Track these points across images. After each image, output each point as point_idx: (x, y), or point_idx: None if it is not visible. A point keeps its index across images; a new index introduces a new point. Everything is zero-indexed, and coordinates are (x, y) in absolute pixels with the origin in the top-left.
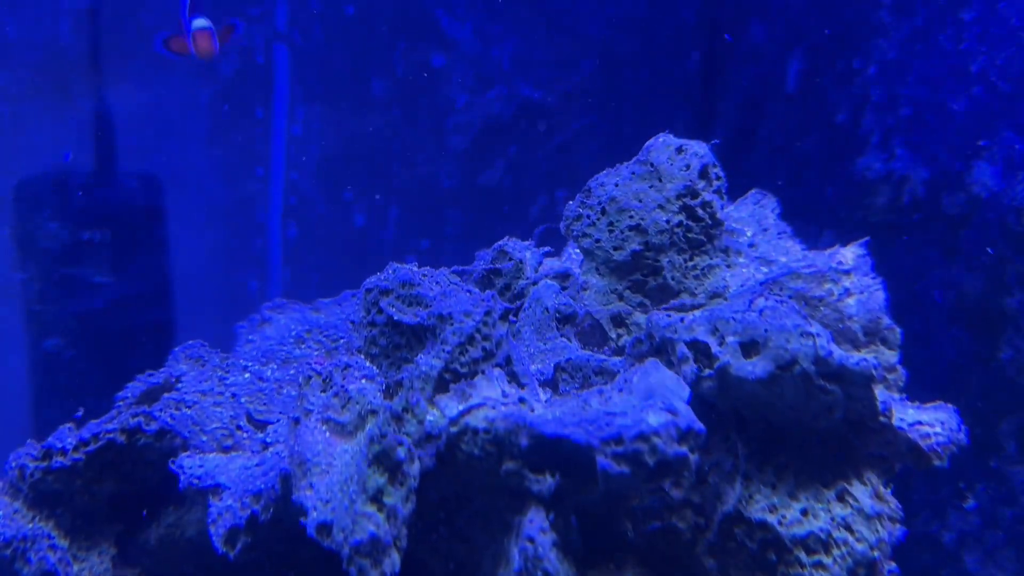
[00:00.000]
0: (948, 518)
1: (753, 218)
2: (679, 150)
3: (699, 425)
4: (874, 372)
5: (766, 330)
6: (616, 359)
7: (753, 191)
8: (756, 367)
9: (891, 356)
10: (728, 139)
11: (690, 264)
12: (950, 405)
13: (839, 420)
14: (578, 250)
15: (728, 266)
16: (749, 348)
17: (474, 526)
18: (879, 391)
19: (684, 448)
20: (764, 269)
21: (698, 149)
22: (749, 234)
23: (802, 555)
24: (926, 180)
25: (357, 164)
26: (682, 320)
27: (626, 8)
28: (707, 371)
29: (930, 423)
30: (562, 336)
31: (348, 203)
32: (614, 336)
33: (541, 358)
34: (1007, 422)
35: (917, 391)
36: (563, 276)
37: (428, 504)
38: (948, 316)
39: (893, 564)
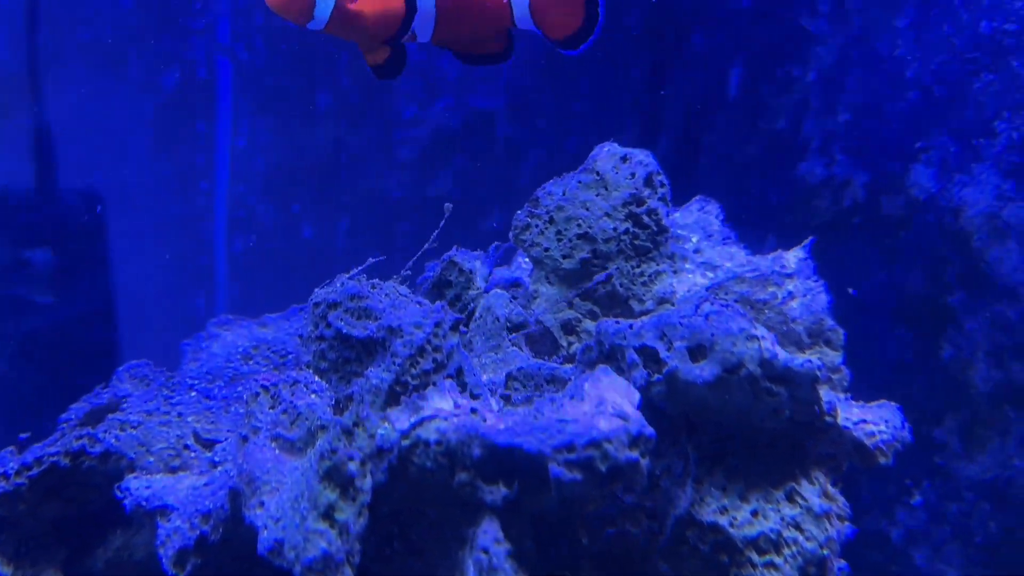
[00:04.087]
0: (896, 515)
1: (698, 224)
2: (624, 159)
3: (649, 430)
4: (818, 373)
5: (712, 334)
6: (567, 367)
7: (698, 198)
8: (704, 371)
9: (835, 357)
10: (674, 147)
11: (638, 271)
12: (894, 404)
13: (786, 421)
14: (527, 259)
15: (675, 272)
16: (697, 352)
17: (429, 539)
18: (824, 391)
19: (635, 453)
20: (709, 274)
21: (643, 158)
22: (695, 240)
23: (753, 555)
24: (866, 183)
25: (305, 177)
26: (631, 326)
27: None
28: (656, 376)
29: (875, 422)
30: (513, 345)
31: (296, 216)
32: (565, 344)
33: (493, 368)
34: (950, 419)
35: (862, 390)
36: (513, 285)
37: (382, 519)
38: (891, 316)
39: (843, 562)
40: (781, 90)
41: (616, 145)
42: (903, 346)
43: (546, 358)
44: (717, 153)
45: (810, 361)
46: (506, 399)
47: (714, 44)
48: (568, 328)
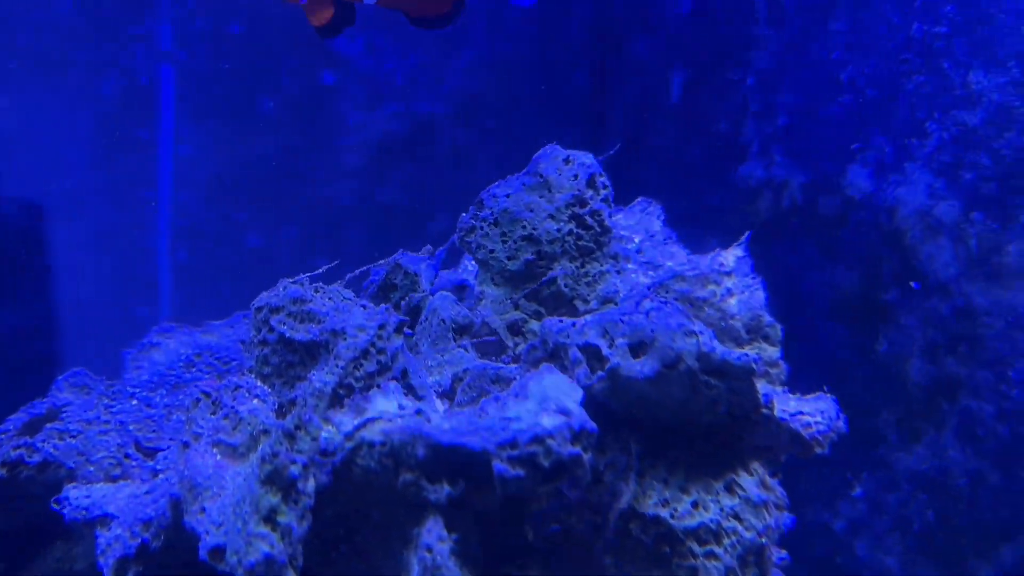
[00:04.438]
0: (838, 507)
1: (640, 225)
2: (567, 161)
3: (591, 425)
4: (754, 366)
5: (652, 330)
6: (513, 367)
7: (640, 199)
8: (644, 366)
9: (773, 352)
10: (619, 151)
11: (582, 271)
12: (830, 396)
13: (725, 414)
14: (474, 262)
15: (618, 272)
16: (638, 349)
17: (374, 541)
18: (761, 385)
19: (578, 448)
20: (651, 273)
21: (585, 159)
22: (637, 240)
23: (694, 546)
24: (804, 184)
25: (250, 184)
26: (574, 325)
27: (517, 23)
28: (599, 373)
29: (811, 413)
30: (459, 347)
31: (241, 224)
32: (511, 344)
33: (439, 370)
34: (887, 412)
35: (803, 385)
36: (459, 288)
37: (327, 522)
38: (829, 313)
39: (784, 552)
40: (721, 94)
41: (559, 147)
42: (841, 342)
43: (493, 359)
44: (661, 157)
45: (746, 355)
46: (453, 400)
47: (656, 49)
48: (514, 329)
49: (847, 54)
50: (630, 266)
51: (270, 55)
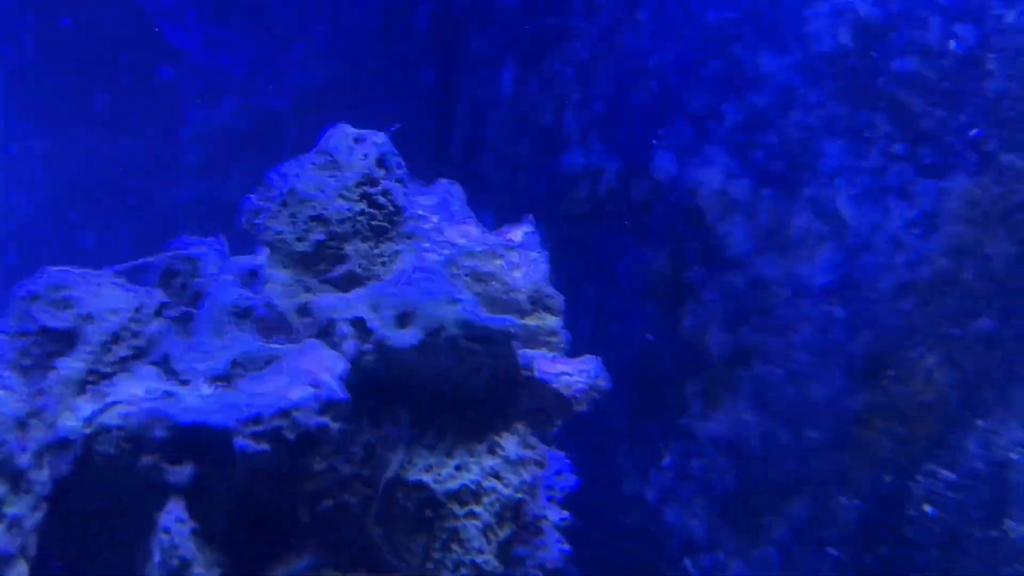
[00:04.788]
0: (651, 477)
1: (441, 205)
2: (357, 140)
3: (342, 395)
4: (512, 330)
5: (417, 300)
6: (290, 347)
7: (443, 181)
8: (410, 336)
9: (554, 321)
10: (462, 144)
11: (376, 251)
12: (596, 357)
13: (489, 378)
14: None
15: (412, 251)
16: (404, 319)
17: (130, 530)
18: (535, 351)
19: (326, 419)
20: (446, 251)
21: (376, 138)
22: (435, 220)
23: (456, 507)
24: (618, 171)
25: (83, 183)
26: (345, 299)
27: (361, 16)
28: (366, 345)
29: (572, 373)
30: (242, 331)
31: (74, 225)
32: (300, 326)
33: (218, 354)
34: (692, 383)
35: (619, 362)
36: (251, 273)
37: (78, 513)
38: (642, 292)
39: (566, 513)
40: (545, 85)
41: (349, 126)
42: (653, 319)
43: (284, 341)
44: (496, 149)
45: (506, 319)
46: (228, 382)
47: (490, 43)
48: (304, 311)
49: (653, 42)
50: (426, 245)
51: (102, 49)
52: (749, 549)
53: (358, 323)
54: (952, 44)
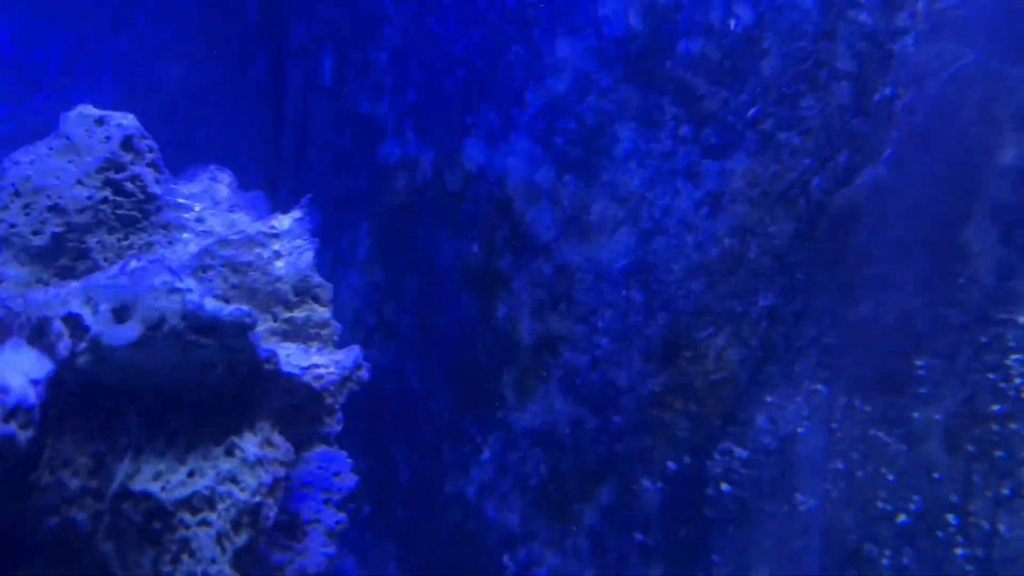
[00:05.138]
0: (471, 473)
1: (207, 193)
2: (99, 121)
3: (30, 401)
4: (247, 320)
5: (136, 292)
6: None
7: (211, 166)
8: (127, 331)
9: (323, 312)
10: (292, 137)
11: (125, 243)
12: (356, 347)
13: (225, 374)
14: None
15: (170, 242)
16: (122, 313)
17: None
18: (276, 344)
19: (11, 426)
20: (207, 241)
21: (122, 120)
22: (198, 209)
23: (187, 516)
24: (432, 161)
25: None
26: (59, 294)
27: (186, 8)
28: (81, 344)
29: (325, 365)
30: None
31: None
32: (16, 327)
33: None
34: (507, 373)
35: (436, 357)
36: None
37: None
38: (459, 284)
39: (342, 515)
40: (361, 73)
41: (91, 107)
42: (469, 311)
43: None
44: (320, 140)
45: (240, 309)
46: None
47: (312, 32)
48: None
49: (459, 27)
50: (185, 235)
51: None
52: (562, 539)
53: (73, 320)
54: (732, 23)
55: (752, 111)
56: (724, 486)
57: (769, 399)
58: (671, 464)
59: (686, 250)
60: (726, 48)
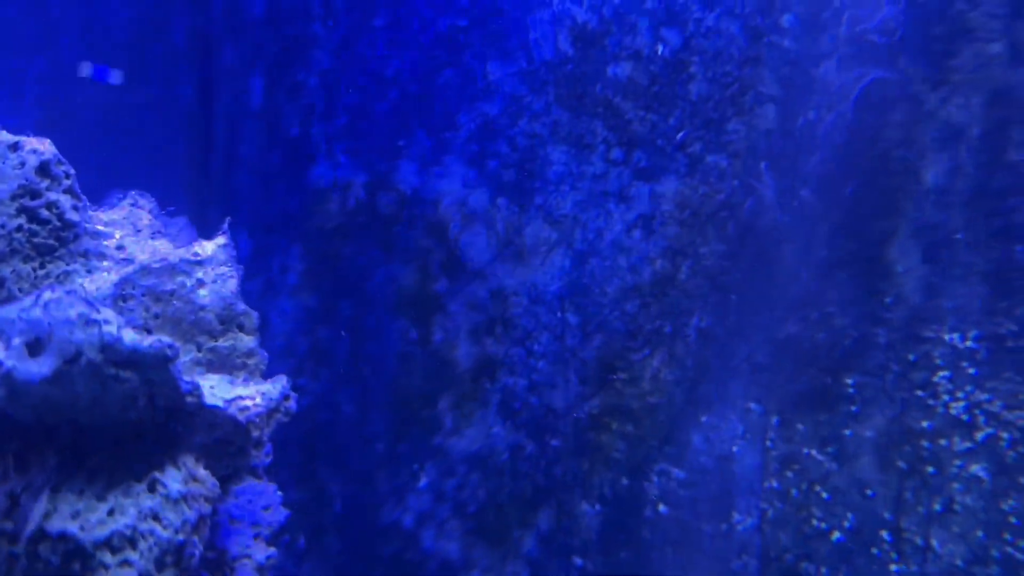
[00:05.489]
0: (408, 502)
1: (128, 220)
2: (12, 147)
3: None
4: (169, 352)
5: (50, 324)
6: None
7: (133, 192)
8: (42, 366)
9: (249, 341)
10: (221, 160)
11: (41, 273)
12: (284, 377)
13: (147, 407)
14: None
15: (88, 271)
16: (36, 346)
17: None
18: (200, 375)
19: None
20: (127, 270)
21: (38, 146)
22: (119, 236)
23: (107, 557)
24: (365, 183)
25: None
26: None
27: (111, 30)
28: None
29: (251, 396)
30: None
31: None
32: None
33: None
34: (444, 399)
35: (371, 383)
36: None
37: None
38: (393, 309)
39: (272, 549)
40: (291, 96)
41: (4, 132)
42: (404, 336)
43: None
44: (248, 164)
45: (160, 341)
46: None
47: (240, 55)
48: None
49: (390, 50)
50: (104, 264)
51: None
52: (501, 566)
53: None
54: (660, 48)
55: (680, 134)
56: (662, 507)
57: (704, 419)
58: (610, 486)
59: (619, 272)
60: (654, 73)
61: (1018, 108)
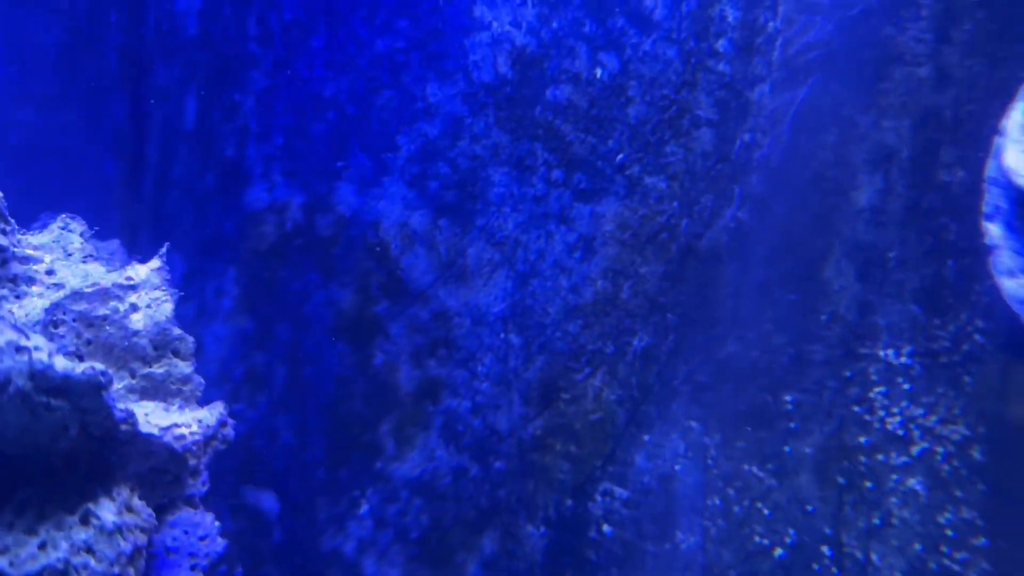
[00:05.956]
0: (348, 529)
1: (58, 244)
2: None
3: None
4: (102, 379)
5: None
6: None
7: (63, 214)
8: None
9: (184, 367)
10: (153, 182)
11: None
12: (221, 403)
13: (79, 436)
14: None
15: (17, 297)
16: None
17: None
18: (169, 402)
19: None
20: (58, 295)
21: None
22: (48, 260)
23: None
24: (303, 205)
25: None
26: None
27: (40, 48)
28: None
29: (187, 424)
30: None
31: None
32: None
33: None
34: (385, 423)
35: (309, 408)
36: None
37: None
38: (332, 332)
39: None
40: (227, 116)
41: None
42: (344, 360)
43: None
44: (182, 185)
45: (93, 368)
46: None
47: (174, 75)
48: None
49: (328, 71)
50: (34, 289)
51: None
52: None
53: None
54: (598, 72)
55: (620, 157)
56: (606, 527)
57: (646, 438)
58: (554, 507)
59: (562, 292)
60: (593, 96)
61: (946, 130)
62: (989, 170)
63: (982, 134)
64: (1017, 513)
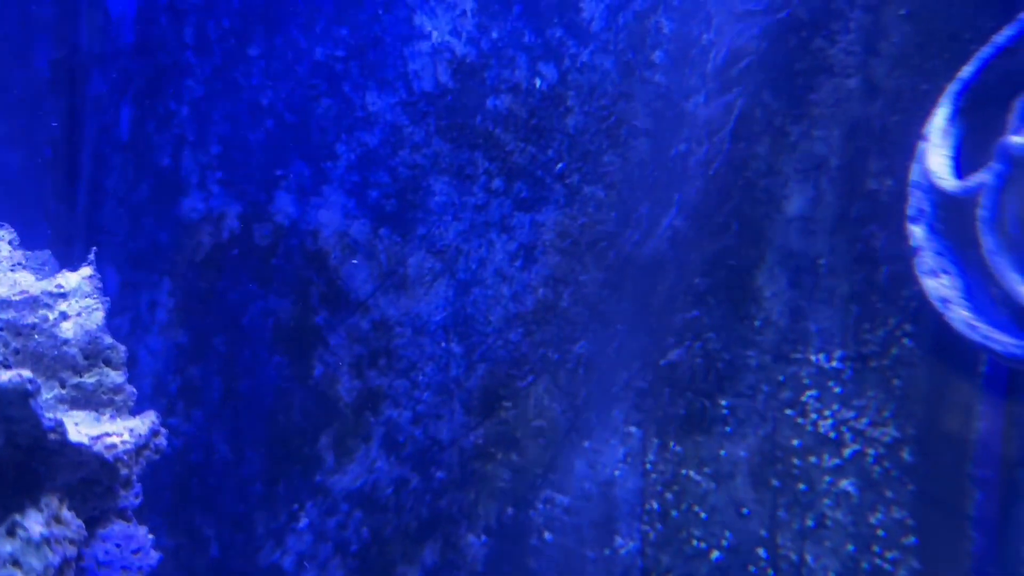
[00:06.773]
0: (287, 543)
1: None
2: None
3: None
4: (29, 387)
5: None
6: None
7: None
8: None
9: (116, 376)
10: (87, 193)
11: None
12: (153, 412)
13: (6, 446)
14: None
15: None
16: None
17: None
18: (100, 412)
19: None
20: None
21: None
22: None
23: None
24: (240, 214)
25: None
26: None
27: None
28: None
29: (118, 432)
30: None
31: None
32: None
33: None
34: (325, 435)
35: (247, 422)
36: None
37: None
38: (270, 344)
39: None
40: (162, 126)
41: None
42: (282, 371)
43: None
44: (117, 196)
45: (20, 376)
46: None
47: (110, 83)
48: None
49: (266, 80)
50: None
51: None
52: None
53: None
54: (538, 82)
55: (559, 166)
56: (547, 535)
57: (587, 444)
58: (496, 517)
59: (503, 300)
60: (533, 106)
61: (874, 140)
62: (913, 174)
63: (909, 143)
64: (945, 511)
